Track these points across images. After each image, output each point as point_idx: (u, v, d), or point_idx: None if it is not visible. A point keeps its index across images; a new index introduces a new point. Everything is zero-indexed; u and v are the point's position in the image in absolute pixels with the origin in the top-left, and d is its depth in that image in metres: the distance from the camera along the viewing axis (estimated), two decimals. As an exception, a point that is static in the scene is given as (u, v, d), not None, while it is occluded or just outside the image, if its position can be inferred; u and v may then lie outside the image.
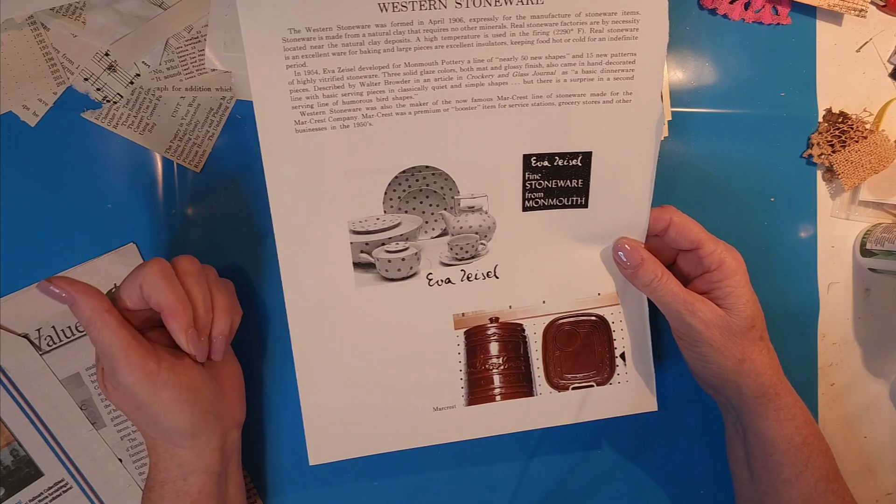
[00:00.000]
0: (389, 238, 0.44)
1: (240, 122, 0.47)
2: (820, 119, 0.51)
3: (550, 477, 0.51)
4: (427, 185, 0.43)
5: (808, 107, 0.51)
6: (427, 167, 0.43)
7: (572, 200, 0.44)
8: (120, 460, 0.47)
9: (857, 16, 0.50)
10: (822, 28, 0.51)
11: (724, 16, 0.50)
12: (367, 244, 0.43)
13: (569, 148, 0.43)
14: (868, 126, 0.50)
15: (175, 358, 0.39)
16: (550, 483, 0.51)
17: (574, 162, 0.44)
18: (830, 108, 0.51)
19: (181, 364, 0.39)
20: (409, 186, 0.43)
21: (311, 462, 0.45)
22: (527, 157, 0.43)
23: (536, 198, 0.44)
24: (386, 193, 0.43)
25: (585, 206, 0.45)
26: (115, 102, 0.46)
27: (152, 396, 0.38)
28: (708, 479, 0.52)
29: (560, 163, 0.43)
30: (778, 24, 0.50)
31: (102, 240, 0.46)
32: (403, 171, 0.42)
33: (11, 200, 0.46)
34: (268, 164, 0.41)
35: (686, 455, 0.52)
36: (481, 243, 0.45)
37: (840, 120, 0.50)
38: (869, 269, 0.52)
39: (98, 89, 0.46)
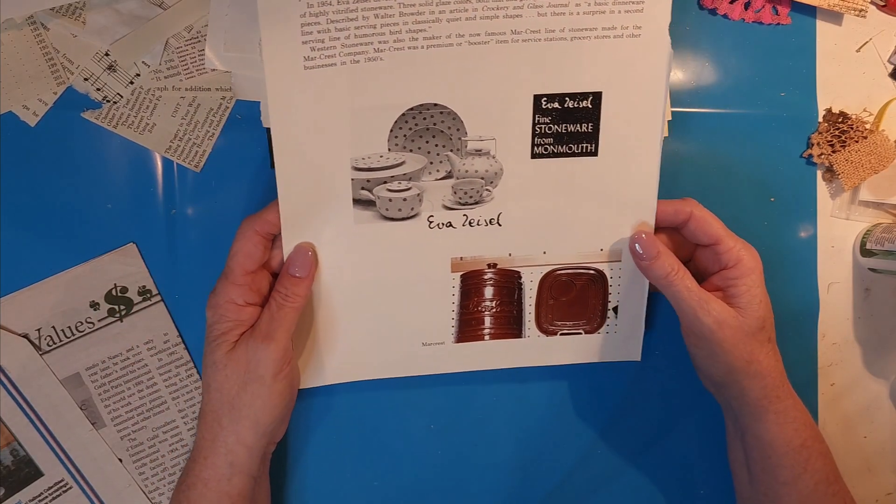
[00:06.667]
0: (392, 177, 0.43)
1: (240, 122, 0.47)
2: (820, 119, 0.51)
3: (550, 477, 0.51)
4: (434, 125, 0.42)
5: (808, 107, 0.51)
6: (435, 105, 0.42)
7: (582, 147, 0.44)
8: (120, 460, 0.47)
9: (857, 16, 0.50)
10: (822, 28, 0.51)
11: (724, 16, 0.50)
12: (368, 181, 0.42)
13: (580, 88, 0.43)
14: (868, 126, 0.50)
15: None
16: (550, 483, 0.51)
17: (584, 103, 0.43)
18: (830, 108, 0.51)
19: None
20: (416, 125, 0.42)
21: (300, 386, 0.45)
22: (537, 98, 0.42)
23: (546, 144, 0.43)
24: (392, 131, 0.42)
25: (595, 153, 0.44)
26: (115, 102, 0.46)
27: (273, 380, 0.40)
28: (708, 479, 0.52)
29: (570, 104, 0.43)
30: (778, 24, 0.50)
31: (102, 240, 0.46)
32: (411, 109, 0.42)
33: (11, 200, 0.46)
34: (273, 104, 0.39)
35: (686, 455, 0.52)
36: (486, 189, 0.44)
37: (840, 120, 0.50)
38: (869, 269, 0.52)
39: (98, 89, 0.46)
